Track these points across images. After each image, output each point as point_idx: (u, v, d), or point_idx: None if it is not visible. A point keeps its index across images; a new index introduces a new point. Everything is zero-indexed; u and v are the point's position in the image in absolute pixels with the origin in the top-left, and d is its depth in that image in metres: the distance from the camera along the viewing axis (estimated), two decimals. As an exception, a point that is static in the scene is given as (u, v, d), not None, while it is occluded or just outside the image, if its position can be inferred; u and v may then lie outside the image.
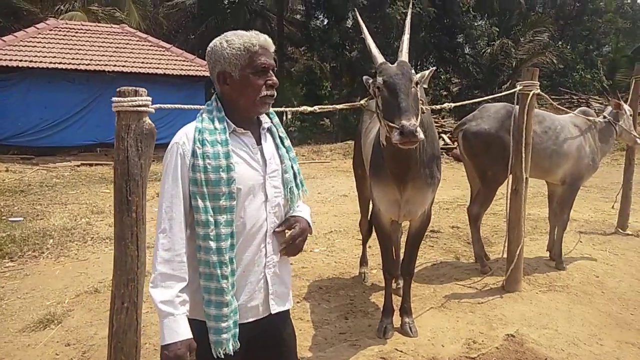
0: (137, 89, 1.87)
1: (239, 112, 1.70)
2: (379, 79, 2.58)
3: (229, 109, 1.70)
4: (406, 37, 2.87)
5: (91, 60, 12.89)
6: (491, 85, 20.60)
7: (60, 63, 12.28)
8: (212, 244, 1.58)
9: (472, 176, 4.81)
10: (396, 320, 3.54)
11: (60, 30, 13.85)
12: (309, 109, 2.75)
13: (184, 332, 1.55)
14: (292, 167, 1.79)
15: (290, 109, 3.02)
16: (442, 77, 24.17)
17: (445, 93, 23.53)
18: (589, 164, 4.62)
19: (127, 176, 1.86)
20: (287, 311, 1.84)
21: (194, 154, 1.59)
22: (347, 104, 3.30)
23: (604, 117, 4.82)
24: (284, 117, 21.79)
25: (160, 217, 1.61)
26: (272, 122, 1.82)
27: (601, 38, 27.80)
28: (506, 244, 4.24)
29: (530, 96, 3.88)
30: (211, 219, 1.58)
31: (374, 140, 3.31)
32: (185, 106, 2.25)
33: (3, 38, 12.66)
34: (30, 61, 11.98)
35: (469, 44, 23.28)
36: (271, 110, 1.82)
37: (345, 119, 20.48)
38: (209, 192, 1.58)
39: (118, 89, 1.86)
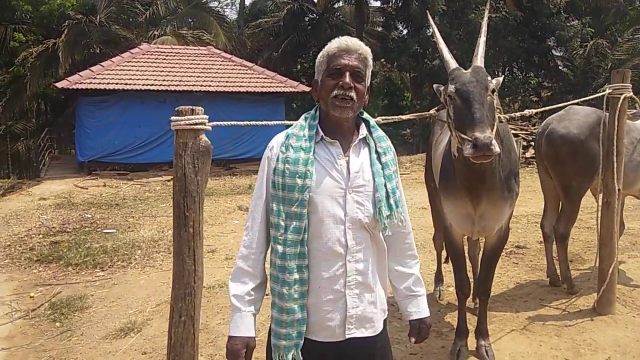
0: (194, 107, 1.90)
1: (329, 119, 1.68)
2: (451, 87, 2.40)
3: (323, 118, 1.71)
4: (482, 40, 2.66)
5: (180, 81, 13.71)
6: (586, 89, 19.20)
7: (152, 85, 13.19)
8: (279, 248, 1.60)
9: (549, 186, 4.42)
10: (472, 342, 3.33)
11: (152, 54, 14.90)
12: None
13: (245, 330, 1.62)
14: (384, 185, 1.67)
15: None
16: (532, 82, 22.99)
17: (535, 99, 22.35)
18: None
19: (184, 192, 1.89)
20: (377, 342, 1.70)
21: (278, 158, 1.64)
22: (414, 114, 3.19)
23: None
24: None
25: (248, 216, 1.71)
26: (371, 135, 1.73)
27: None
28: (597, 262, 3.86)
29: (621, 100, 3.53)
30: (282, 223, 1.59)
31: (444, 151, 3.16)
32: (242, 123, 2.27)
33: (101, 63, 13.83)
34: (125, 84, 12.98)
35: (561, 46, 21.93)
36: (373, 122, 1.77)
37: (425, 129, 20.07)
38: (283, 197, 1.60)
39: (176, 108, 1.90)
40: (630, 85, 3.63)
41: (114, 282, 5.06)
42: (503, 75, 2.62)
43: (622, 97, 3.55)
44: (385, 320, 1.77)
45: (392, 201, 1.66)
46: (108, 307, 4.39)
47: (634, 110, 4.49)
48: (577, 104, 4.21)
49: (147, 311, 4.27)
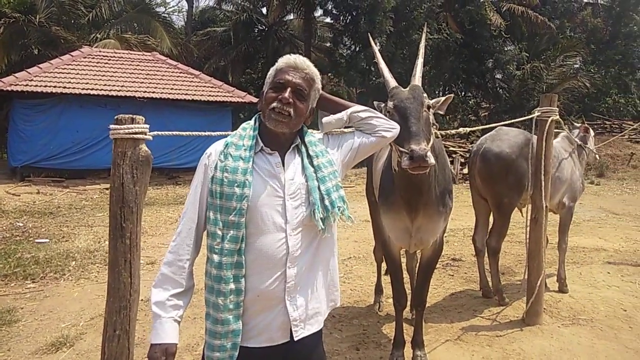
0: (135, 116, 1.88)
1: (267, 130, 1.70)
2: (390, 103, 2.53)
3: (262, 129, 1.72)
4: (420, 61, 2.81)
5: (122, 86, 13.30)
6: (521, 109, 20.23)
7: (92, 89, 12.70)
8: (215, 257, 1.59)
9: (480, 202, 4.66)
10: (409, 352, 3.42)
11: (93, 58, 14.38)
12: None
13: (165, 336, 1.58)
14: (318, 187, 1.68)
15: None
16: (471, 101, 23.96)
17: (474, 118, 23.29)
18: (580, 186, 4.80)
19: (121, 203, 1.87)
20: (316, 338, 1.75)
21: (216, 166, 1.64)
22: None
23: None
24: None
25: (179, 221, 1.69)
26: (303, 140, 1.76)
27: (635, 62, 27.16)
28: (526, 275, 4.08)
29: (548, 123, 3.78)
30: (219, 232, 1.59)
31: (383, 167, 3.26)
32: (184, 133, 2.26)
33: (39, 65, 13.21)
34: (64, 87, 12.43)
35: (498, 68, 23.05)
36: (308, 129, 1.81)
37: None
38: (221, 205, 1.60)
39: (116, 117, 1.87)
40: (557, 108, 3.90)
41: (46, 295, 4.82)
42: (448, 95, 2.77)
43: (550, 119, 3.81)
44: (320, 331, 1.80)
45: (327, 203, 1.68)
46: (39, 321, 4.18)
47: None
48: (512, 124, 4.48)
49: (80, 325, 4.11)
